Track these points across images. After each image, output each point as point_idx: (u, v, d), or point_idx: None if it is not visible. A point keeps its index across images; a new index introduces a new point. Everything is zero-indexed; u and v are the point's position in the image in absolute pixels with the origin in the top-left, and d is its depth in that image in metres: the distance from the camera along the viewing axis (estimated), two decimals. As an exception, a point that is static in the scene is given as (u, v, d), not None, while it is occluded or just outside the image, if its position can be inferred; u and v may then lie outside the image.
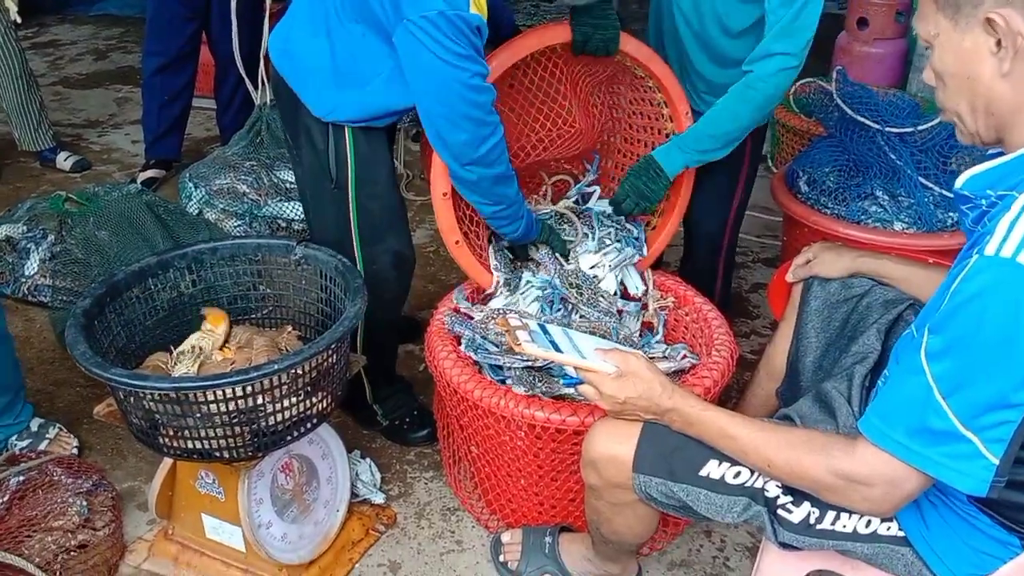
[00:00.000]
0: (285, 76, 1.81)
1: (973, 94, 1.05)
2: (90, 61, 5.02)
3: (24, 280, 2.65)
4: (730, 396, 2.11)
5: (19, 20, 3.22)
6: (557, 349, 1.30)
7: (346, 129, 1.79)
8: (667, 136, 1.92)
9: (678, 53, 2.00)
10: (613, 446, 1.31)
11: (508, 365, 1.62)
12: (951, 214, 2.28)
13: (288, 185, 2.98)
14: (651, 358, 1.71)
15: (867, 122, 2.37)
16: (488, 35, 1.78)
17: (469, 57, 1.53)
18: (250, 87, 3.20)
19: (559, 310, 1.79)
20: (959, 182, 1.10)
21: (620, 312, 1.86)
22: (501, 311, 1.75)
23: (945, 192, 2.30)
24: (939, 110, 1.14)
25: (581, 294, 1.83)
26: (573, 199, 2.02)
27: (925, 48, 1.10)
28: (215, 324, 1.70)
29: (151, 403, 1.43)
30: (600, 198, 2.04)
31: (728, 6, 1.87)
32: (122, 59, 5.03)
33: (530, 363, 1.61)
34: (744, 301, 2.75)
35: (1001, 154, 1.08)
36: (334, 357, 1.54)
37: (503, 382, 1.64)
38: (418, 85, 1.60)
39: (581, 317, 1.77)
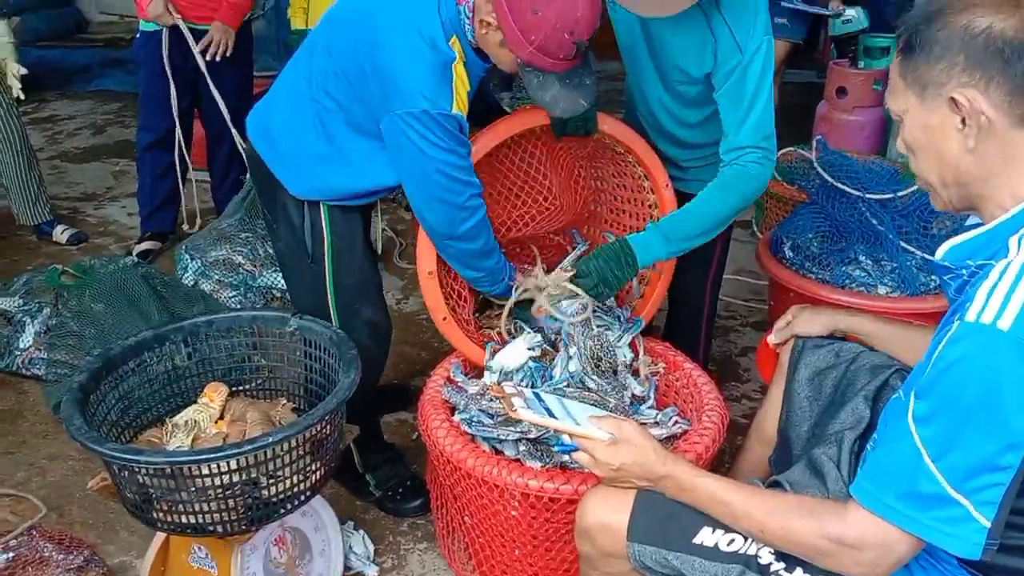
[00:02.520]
0: (262, 155, 1.86)
1: (942, 167, 1.10)
2: (88, 135, 5.12)
3: (18, 353, 2.66)
4: (723, 461, 2.11)
5: (22, 96, 3.31)
6: (552, 416, 1.32)
7: (322, 206, 1.84)
8: (650, 206, 1.97)
9: (648, 131, 2.07)
10: (607, 514, 1.32)
11: (503, 438, 1.63)
12: (933, 277, 2.33)
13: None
14: (643, 424, 1.74)
15: (848, 189, 2.44)
16: (478, 111, 1.85)
17: (450, 150, 1.60)
18: (244, 155, 3.26)
19: (561, 378, 1.81)
20: (939, 253, 1.14)
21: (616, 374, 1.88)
22: (497, 381, 1.77)
23: (927, 256, 2.35)
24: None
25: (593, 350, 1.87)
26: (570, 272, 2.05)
27: (896, 120, 1.15)
28: (212, 398, 1.71)
29: (145, 477, 1.44)
30: None
31: (678, 107, 1.93)
32: (119, 133, 5.12)
33: (524, 434, 1.62)
34: (734, 365, 2.77)
35: (978, 224, 1.12)
36: (328, 428, 1.55)
37: (497, 452, 1.65)
38: (401, 169, 1.68)
39: (574, 381, 1.79)
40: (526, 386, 1.71)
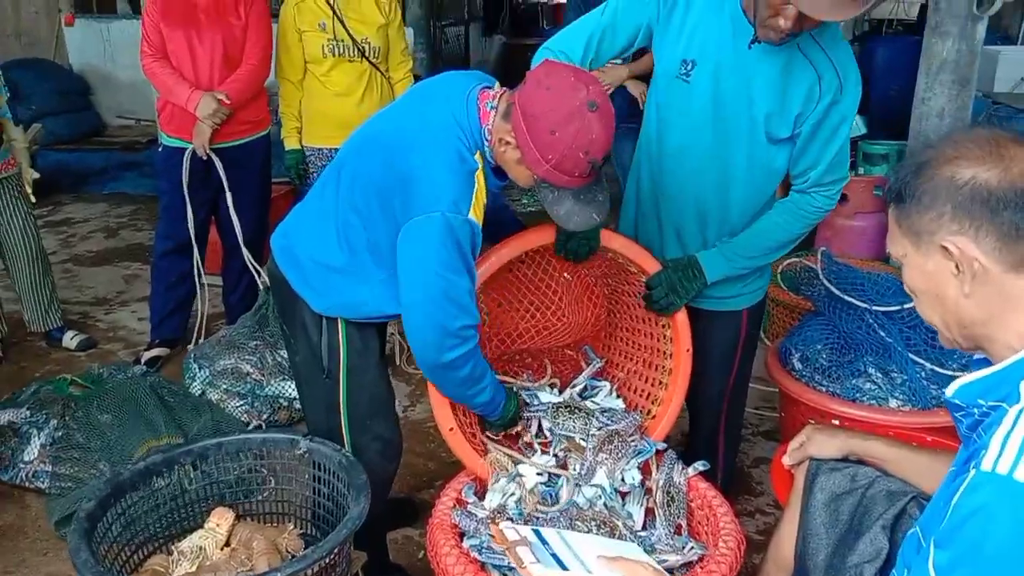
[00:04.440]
0: (284, 272, 1.89)
1: (944, 310, 1.12)
2: (101, 239, 5.21)
3: (23, 466, 2.64)
4: (739, 583, 2.06)
5: (34, 200, 3.38)
6: (561, 565, 1.30)
7: (339, 322, 1.86)
8: (664, 326, 1.99)
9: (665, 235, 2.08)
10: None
11: (513, 566, 1.60)
12: (944, 390, 2.31)
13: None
14: (656, 550, 1.70)
15: (854, 301, 2.45)
16: (490, 229, 1.89)
17: (456, 271, 1.62)
18: (255, 274, 3.32)
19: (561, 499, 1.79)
20: (950, 391, 1.14)
21: (623, 495, 1.85)
22: (496, 516, 1.73)
23: (936, 368, 2.35)
24: None
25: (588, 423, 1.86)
26: (580, 386, 2.05)
27: (897, 264, 1.17)
28: (219, 523, 1.69)
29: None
30: (608, 395, 2.06)
31: (748, 174, 1.94)
32: (132, 237, 5.21)
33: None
34: (747, 477, 2.74)
35: (987, 361, 1.13)
36: (336, 558, 1.52)
37: (507, 578, 1.61)
38: (403, 279, 1.68)
39: (579, 512, 1.76)
40: (525, 521, 1.69)
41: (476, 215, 1.63)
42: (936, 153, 1.10)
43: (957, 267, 1.07)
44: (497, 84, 1.75)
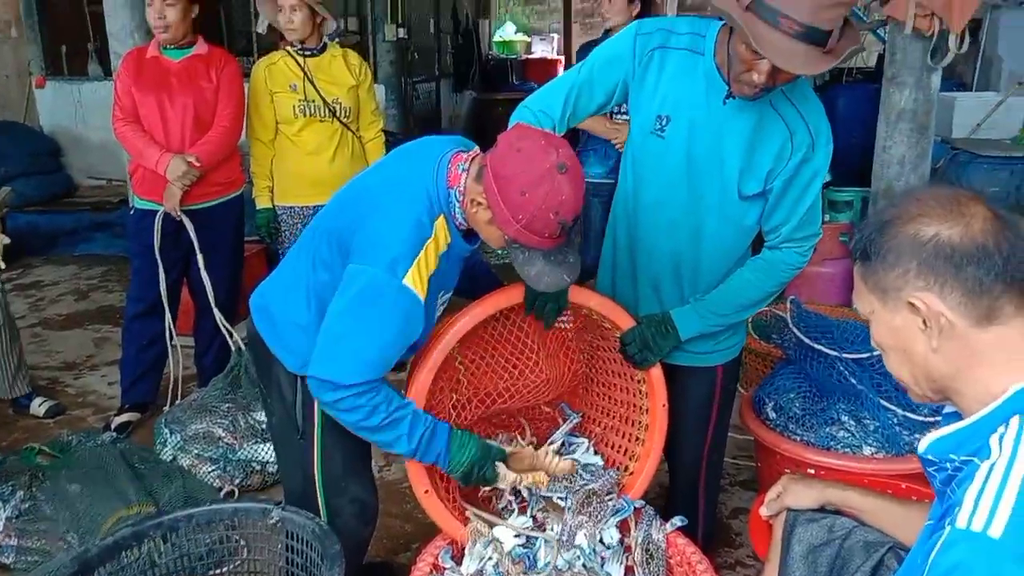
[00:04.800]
0: (260, 330, 1.89)
1: (913, 365, 1.14)
2: (71, 301, 5.14)
3: (-12, 541, 2.56)
4: (721, 640, 2.04)
5: (3, 265, 3.34)
6: None
7: None
8: (640, 381, 1.99)
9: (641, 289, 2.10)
10: None
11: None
12: (916, 435, 2.34)
13: (264, 426, 2.99)
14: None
15: (824, 349, 2.48)
16: (464, 286, 1.90)
17: (365, 324, 1.65)
18: (227, 336, 3.29)
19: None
20: (922, 446, 1.15)
21: (603, 559, 1.84)
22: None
23: (908, 414, 2.37)
24: None
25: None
26: (557, 443, 2.04)
27: (865, 321, 1.19)
28: (188, 598, 1.65)
29: None
30: (586, 451, 2.05)
31: (718, 229, 1.95)
32: (103, 299, 5.16)
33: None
34: (726, 528, 2.72)
35: (957, 414, 1.14)
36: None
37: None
38: (332, 314, 1.70)
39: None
40: None
41: (415, 282, 1.64)
42: (899, 211, 1.12)
43: (924, 322, 1.09)
44: (476, 148, 1.77)
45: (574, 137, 3.75)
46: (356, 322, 1.65)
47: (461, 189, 1.68)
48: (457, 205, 1.70)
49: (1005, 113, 5.27)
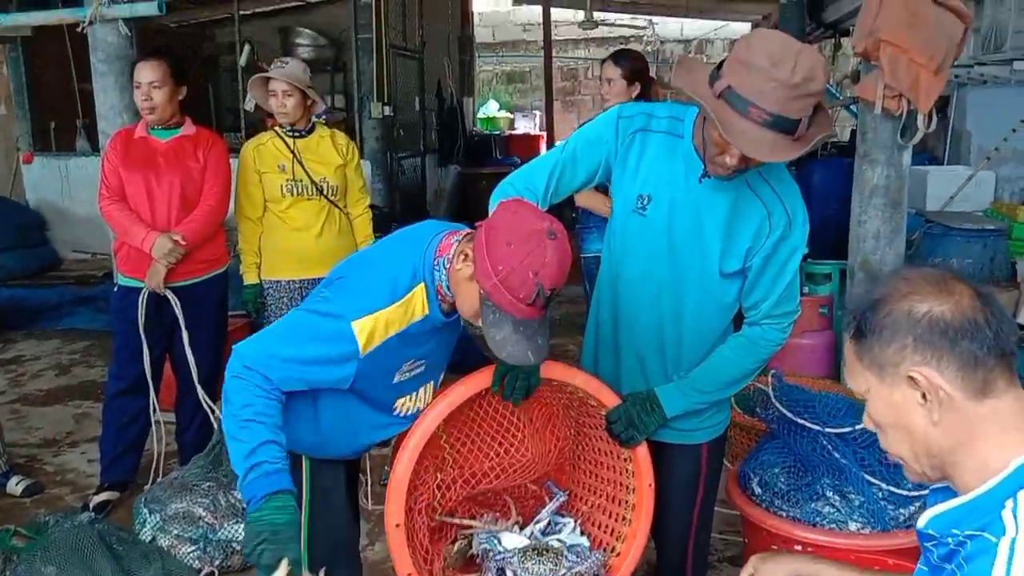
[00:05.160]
0: None
1: (913, 440, 1.15)
2: (52, 376, 5.10)
3: (-42, 629, 2.49)
4: None
5: None
6: None
7: (303, 459, 1.83)
8: (626, 460, 2.00)
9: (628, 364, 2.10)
10: None
11: None
12: (902, 510, 2.34)
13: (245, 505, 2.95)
14: None
15: (807, 424, 2.49)
16: (456, 359, 1.90)
17: (295, 333, 1.70)
18: (210, 412, 3.27)
19: None
20: (922, 522, 1.15)
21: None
22: None
23: (893, 488, 2.38)
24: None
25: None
26: (544, 522, 2.03)
27: (860, 399, 1.21)
28: None
29: None
30: (572, 531, 2.04)
31: (697, 307, 1.98)
32: (85, 374, 5.12)
33: None
34: (714, 607, 2.69)
35: (949, 489, 1.15)
36: None
37: None
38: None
39: None
40: None
41: (362, 329, 1.64)
42: (890, 289, 1.15)
43: (924, 396, 1.11)
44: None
45: (574, 214, 3.83)
46: (291, 326, 1.70)
47: (450, 256, 1.70)
48: (443, 272, 1.71)
49: (976, 186, 5.42)
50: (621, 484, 2.03)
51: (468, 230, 1.77)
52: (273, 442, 1.57)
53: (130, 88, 3.34)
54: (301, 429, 1.80)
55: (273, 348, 1.66)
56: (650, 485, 1.98)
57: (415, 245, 1.74)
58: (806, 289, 4.15)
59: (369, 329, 1.65)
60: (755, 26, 10.56)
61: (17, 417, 4.40)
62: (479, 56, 13.82)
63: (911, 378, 1.11)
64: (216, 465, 3.12)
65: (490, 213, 1.72)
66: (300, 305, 1.77)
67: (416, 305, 1.70)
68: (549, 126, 12.37)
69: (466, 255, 1.65)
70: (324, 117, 3.70)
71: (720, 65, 1.73)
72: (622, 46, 10.45)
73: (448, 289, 1.72)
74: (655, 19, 14.82)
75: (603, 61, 3.64)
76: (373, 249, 1.89)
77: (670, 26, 15.21)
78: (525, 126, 14.43)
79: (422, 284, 1.71)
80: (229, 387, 1.64)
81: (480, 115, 13.60)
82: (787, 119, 1.65)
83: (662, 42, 15.54)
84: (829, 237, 4.80)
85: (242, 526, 2.87)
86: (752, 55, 1.65)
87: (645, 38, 15.33)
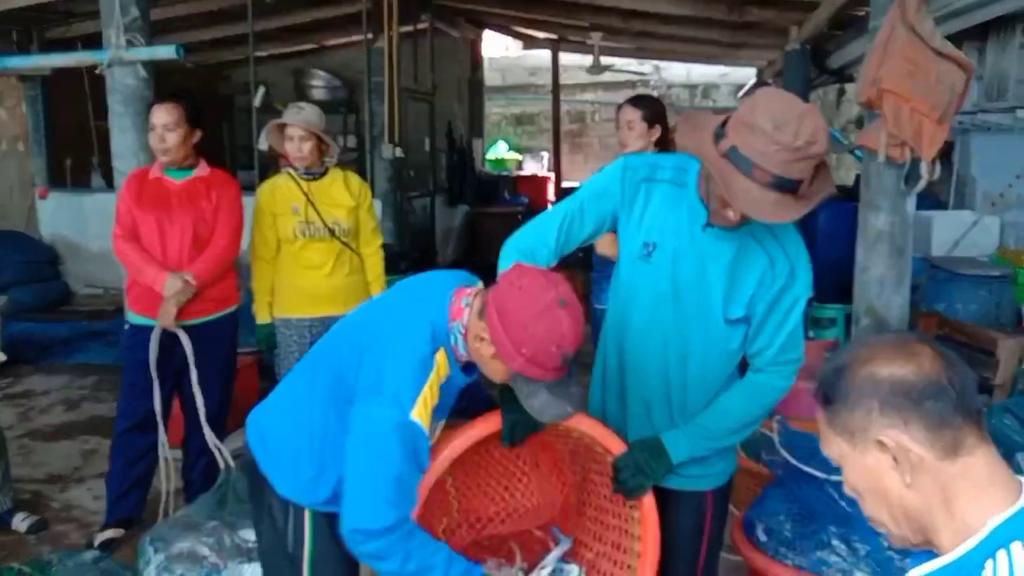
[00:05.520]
0: (254, 453, 1.91)
1: (890, 504, 1.16)
2: (60, 411, 5.12)
3: (-40, 667, 2.49)
4: None
5: None
6: None
7: (306, 512, 1.85)
8: (631, 507, 2.00)
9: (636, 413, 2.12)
10: None
11: None
12: (908, 560, 2.33)
13: (250, 544, 2.95)
14: None
15: (813, 472, 2.50)
16: (462, 405, 1.93)
17: (387, 462, 1.68)
18: (216, 452, 3.28)
19: None
20: None
21: None
22: None
23: (897, 537, 2.37)
24: None
25: None
26: (548, 569, 2.03)
27: (837, 465, 1.23)
28: None
29: None
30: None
31: (703, 355, 2.00)
32: (93, 409, 5.13)
33: None
34: (720, 656, 2.66)
35: (932, 552, 1.16)
36: None
37: None
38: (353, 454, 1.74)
39: None
40: None
41: (420, 415, 1.69)
42: (852, 356, 1.17)
43: (895, 459, 1.12)
44: (479, 283, 1.84)
45: (588, 264, 3.82)
46: (370, 463, 1.68)
47: (464, 324, 1.74)
48: (460, 338, 1.75)
49: (981, 232, 5.45)
50: (626, 531, 2.03)
51: (475, 288, 1.80)
52: (452, 557, 1.76)
53: (145, 128, 3.41)
54: (316, 480, 1.83)
55: (377, 495, 1.69)
56: (655, 534, 1.98)
57: (426, 309, 1.77)
58: (811, 334, 4.15)
59: (424, 410, 1.70)
60: (760, 72, 10.69)
61: (24, 452, 4.41)
62: (489, 99, 14.00)
63: (880, 442, 1.12)
64: (222, 505, 3.12)
65: (499, 274, 1.76)
66: (356, 437, 1.72)
67: (442, 371, 1.75)
68: (557, 167, 12.52)
69: (482, 338, 1.70)
70: (335, 161, 3.76)
71: (725, 123, 1.78)
72: (629, 91, 10.62)
73: (464, 350, 1.77)
74: (661, 64, 15.02)
75: (619, 106, 3.58)
76: (379, 318, 1.87)
77: (676, 71, 15.41)
78: (533, 167, 14.58)
79: (442, 350, 1.75)
80: (389, 567, 1.70)
81: (489, 156, 13.75)
82: (790, 180, 1.69)
83: (668, 87, 15.75)
84: (834, 281, 4.82)
85: (246, 567, 2.87)
86: (756, 117, 1.70)
87: (652, 83, 15.53)
